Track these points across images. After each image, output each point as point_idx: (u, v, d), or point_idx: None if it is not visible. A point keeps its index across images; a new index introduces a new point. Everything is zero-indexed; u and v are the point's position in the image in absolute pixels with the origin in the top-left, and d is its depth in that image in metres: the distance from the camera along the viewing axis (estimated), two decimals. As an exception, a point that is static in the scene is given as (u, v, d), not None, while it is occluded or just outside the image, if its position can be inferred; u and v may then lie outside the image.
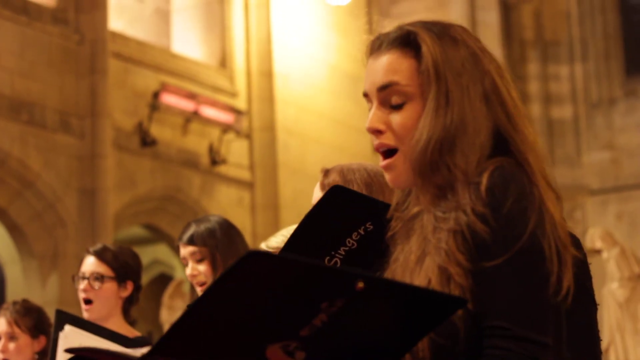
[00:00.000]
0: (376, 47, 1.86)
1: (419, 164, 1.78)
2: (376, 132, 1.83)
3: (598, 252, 9.60)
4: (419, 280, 1.73)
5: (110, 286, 3.88)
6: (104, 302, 3.87)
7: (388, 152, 1.84)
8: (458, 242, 1.70)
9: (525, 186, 1.72)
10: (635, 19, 17.51)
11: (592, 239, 9.60)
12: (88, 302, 3.87)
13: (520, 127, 1.82)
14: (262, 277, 1.36)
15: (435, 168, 1.77)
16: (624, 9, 17.46)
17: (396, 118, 1.82)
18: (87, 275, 3.87)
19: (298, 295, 1.41)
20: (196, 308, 1.38)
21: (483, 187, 1.71)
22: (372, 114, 1.84)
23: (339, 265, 1.92)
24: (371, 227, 1.91)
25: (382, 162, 1.84)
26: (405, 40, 1.83)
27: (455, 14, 16.56)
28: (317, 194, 2.38)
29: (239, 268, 1.34)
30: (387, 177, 1.85)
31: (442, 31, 1.83)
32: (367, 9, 15.81)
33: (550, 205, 1.75)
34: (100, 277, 3.86)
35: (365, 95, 1.87)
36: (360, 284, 1.41)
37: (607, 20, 17.24)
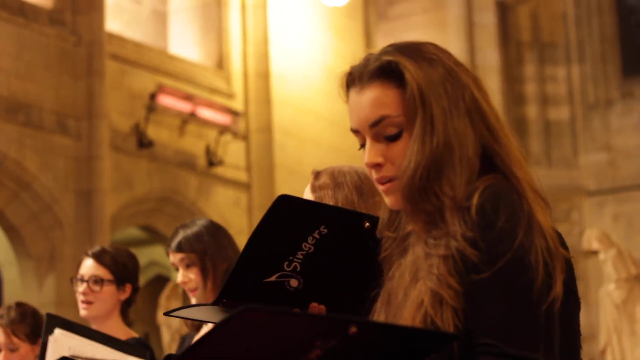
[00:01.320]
0: (356, 79, 1.85)
1: (408, 191, 1.79)
2: (376, 166, 1.83)
3: (595, 253, 9.60)
4: (413, 302, 1.74)
5: (109, 289, 3.87)
6: (103, 304, 3.87)
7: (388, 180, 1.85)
8: (449, 266, 1.71)
9: (514, 202, 1.73)
10: (632, 20, 17.52)
11: (589, 240, 9.60)
12: (87, 303, 3.86)
13: (503, 140, 1.83)
14: (256, 326, 1.41)
15: (424, 195, 1.78)
16: (620, 11, 17.48)
17: (394, 149, 1.82)
18: (86, 278, 3.86)
19: (293, 339, 1.45)
20: (196, 347, 1.43)
21: (474, 208, 1.72)
22: (368, 149, 1.83)
23: (298, 269, 1.97)
24: (325, 230, 1.95)
25: (382, 187, 1.85)
26: (386, 70, 1.82)
27: (452, 15, 16.58)
28: (308, 196, 2.38)
29: (233, 322, 1.38)
30: (388, 200, 1.86)
31: (417, 53, 1.83)
32: (364, 10, 15.82)
33: (539, 215, 1.76)
34: (99, 281, 3.85)
35: (354, 131, 1.86)
36: (353, 329, 1.44)
37: (604, 21, 17.26)
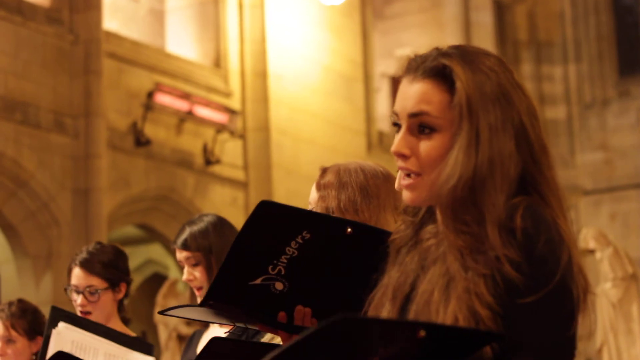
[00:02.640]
0: (412, 68, 1.87)
1: (448, 200, 1.80)
2: (401, 156, 1.85)
3: (591, 252, 9.62)
4: (445, 318, 1.74)
5: (106, 296, 3.86)
6: (102, 310, 3.85)
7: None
8: (488, 285, 1.72)
9: (551, 227, 1.76)
10: (629, 20, 17.54)
11: (586, 239, 9.62)
12: (86, 313, 3.86)
13: (544, 170, 1.84)
14: (345, 333, 1.44)
15: (464, 205, 1.79)
16: (617, 10, 17.49)
17: (423, 146, 1.84)
18: (80, 289, 3.83)
19: (364, 347, 1.48)
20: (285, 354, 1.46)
21: (519, 231, 1.73)
22: (399, 138, 1.86)
23: (283, 272, 2.01)
24: (308, 235, 1.98)
25: (405, 182, 1.86)
26: (441, 73, 1.84)
27: (448, 14, 16.59)
28: (314, 194, 2.39)
29: (324, 330, 1.41)
30: (407, 195, 1.87)
31: (476, 64, 1.84)
32: (361, 9, 15.82)
33: (574, 251, 1.78)
34: (95, 291, 3.84)
35: (395, 113, 1.89)
36: (422, 333, 1.47)
37: (600, 21, 17.28)
